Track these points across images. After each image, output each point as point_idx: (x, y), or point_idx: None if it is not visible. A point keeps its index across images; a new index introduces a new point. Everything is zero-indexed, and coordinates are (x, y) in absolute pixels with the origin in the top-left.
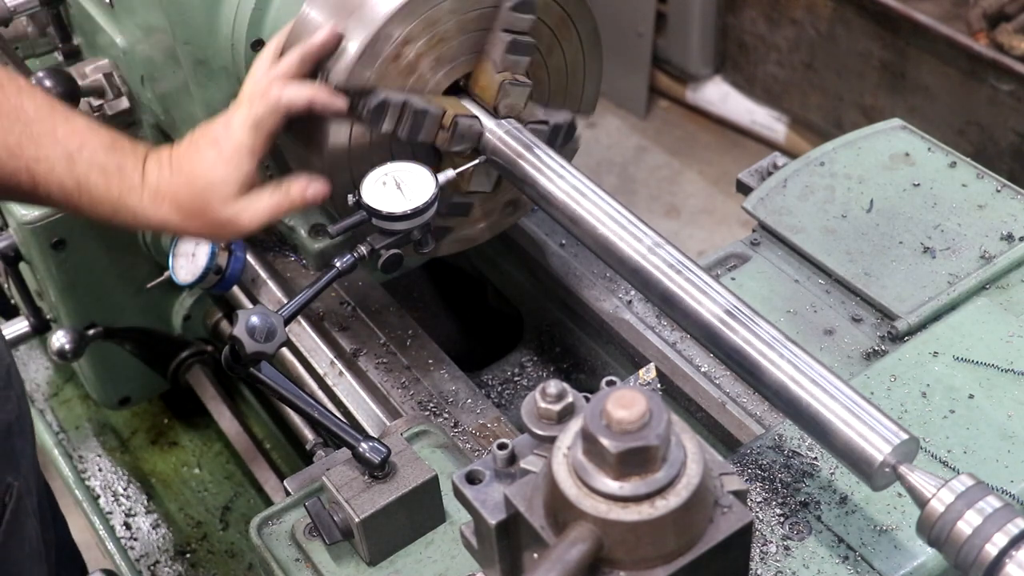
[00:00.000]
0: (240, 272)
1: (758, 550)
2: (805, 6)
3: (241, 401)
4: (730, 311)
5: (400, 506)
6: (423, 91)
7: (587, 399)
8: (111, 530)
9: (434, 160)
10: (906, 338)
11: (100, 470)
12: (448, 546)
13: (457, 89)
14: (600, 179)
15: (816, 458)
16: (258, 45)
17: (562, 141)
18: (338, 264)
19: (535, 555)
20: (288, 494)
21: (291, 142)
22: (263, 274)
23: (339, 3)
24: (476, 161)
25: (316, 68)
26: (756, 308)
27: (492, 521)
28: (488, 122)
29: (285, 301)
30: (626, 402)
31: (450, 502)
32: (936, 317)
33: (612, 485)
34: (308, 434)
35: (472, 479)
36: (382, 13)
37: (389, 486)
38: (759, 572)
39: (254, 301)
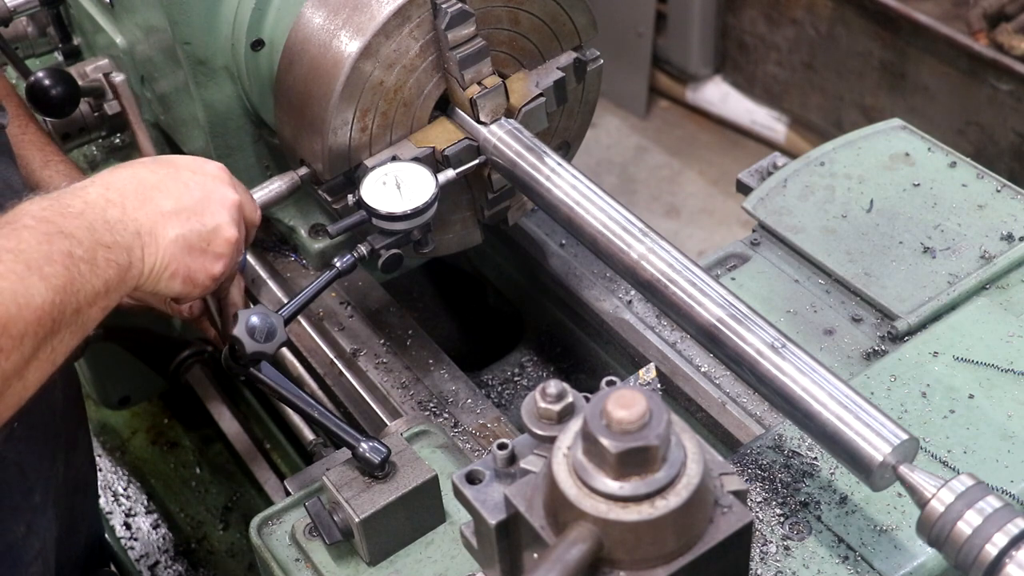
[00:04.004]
0: (240, 272)
1: (758, 550)
2: (805, 6)
3: (241, 401)
4: (730, 312)
5: (400, 506)
6: (409, 133)
7: (587, 399)
8: (111, 530)
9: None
10: (906, 338)
11: (100, 470)
12: (448, 546)
13: (446, 103)
14: (600, 179)
15: (816, 458)
16: (258, 45)
17: (576, 80)
18: (338, 264)
19: (535, 555)
20: (288, 494)
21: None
22: (263, 274)
23: (299, 113)
24: (476, 161)
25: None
26: (756, 308)
27: (492, 521)
28: (483, 129)
29: (285, 301)
30: (626, 402)
31: (450, 502)
32: (936, 317)
33: (612, 485)
34: (308, 434)
35: (472, 479)
36: (327, 111)
37: (389, 486)
38: (759, 572)
39: (254, 301)
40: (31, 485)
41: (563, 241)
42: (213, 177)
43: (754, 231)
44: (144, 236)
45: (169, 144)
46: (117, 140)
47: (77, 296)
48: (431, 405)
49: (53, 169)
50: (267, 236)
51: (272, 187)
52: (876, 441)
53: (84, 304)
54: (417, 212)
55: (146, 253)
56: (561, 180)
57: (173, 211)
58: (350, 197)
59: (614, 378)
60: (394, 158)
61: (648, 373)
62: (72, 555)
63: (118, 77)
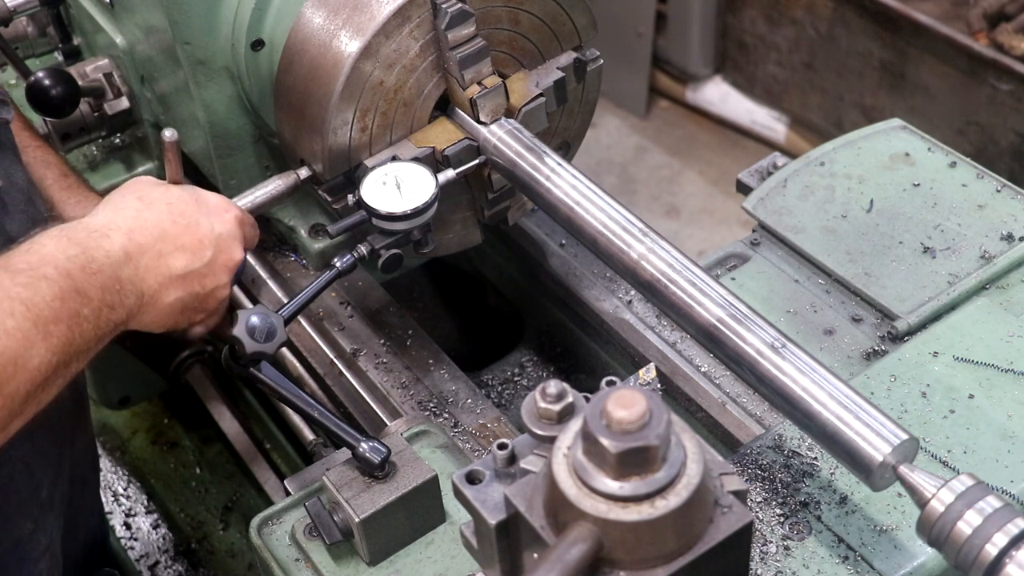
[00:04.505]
0: (240, 272)
1: (758, 550)
2: (805, 6)
3: (241, 401)
4: (730, 312)
5: (400, 506)
6: (409, 133)
7: (587, 399)
8: (111, 530)
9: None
10: (906, 338)
11: (100, 470)
12: (448, 546)
13: (446, 103)
14: (600, 179)
15: (816, 458)
16: (258, 45)
17: (576, 80)
18: (338, 264)
19: (535, 555)
20: (288, 494)
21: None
22: (263, 274)
23: (299, 113)
24: (476, 161)
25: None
26: (756, 308)
27: (492, 521)
28: (483, 129)
29: (285, 301)
30: (626, 402)
31: (450, 502)
32: (936, 317)
33: (612, 485)
34: (308, 434)
35: (472, 479)
36: (327, 111)
37: (389, 486)
38: (759, 572)
39: (254, 301)
40: (38, 482)
41: (563, 241)
42: (228, 235)
43: (754, 231)
44: (146, 298)
45: None
46: (117, 140)
47: (72, 354)
48: (431, 405)
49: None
50: (267, 236)
51: (270, 187)
52: (876, 441)
53: (75, 359)
54: (417, 212)
55: (142, 312)
56: (561, 180)
57: (180, 276)
58: (350, 197)
59: (614, 378)
60: (394, 158)
61: (648, 373)
62: (73, 551)
63: (169, 134)
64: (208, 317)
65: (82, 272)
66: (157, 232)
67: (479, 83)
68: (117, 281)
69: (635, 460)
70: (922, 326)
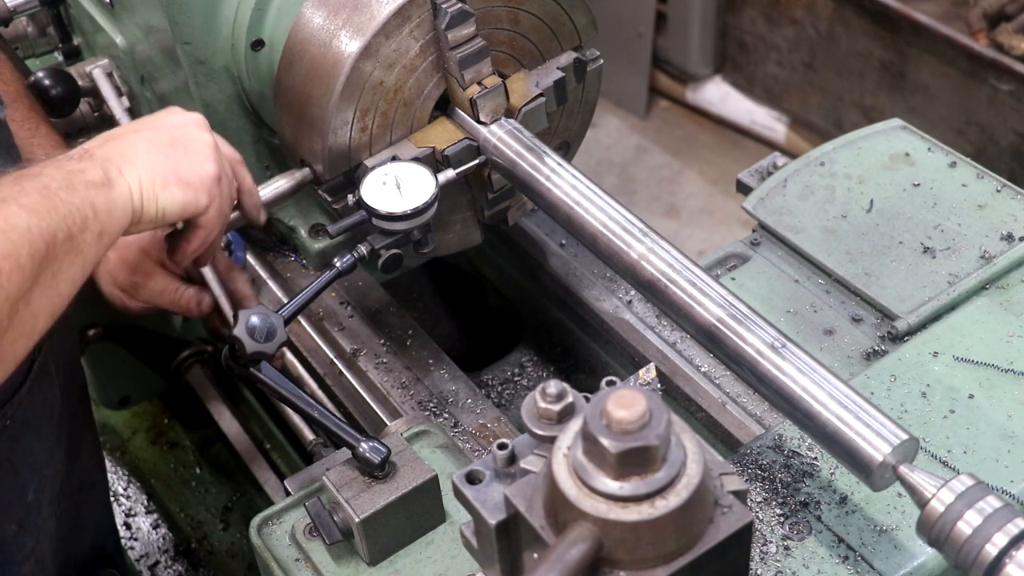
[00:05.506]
0: (241, 266)
1: (758, 550)
2: (805, 6)
3: (241, 401)
4: (730, 312)
5: (400, 506)
6: (409, 133)
7: (587, 399)
8: None
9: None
10: (906, 338)
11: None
12: (448, 546)
13: (446, 103)
14: (600, 179)
15: (816, 458)
16: (258, 45)
17: (576, 80)
18: (338, 264)
19: (535, 555)
20: (288, 494)
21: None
22: (263, 274)
23: (299, 113)
24: (476, 161)
25: None
26: (756, 308)
27: (492, 521)
28: (483, 129)
29: (285, 301)
30: (626, 402)
31: (450, 502)
32: (936, 317)
33: (612, 485)
34: (308, 434)
35: (472, 479)
36: (327, 111)
37: (389, 486)
38: (759, 572)
39: None
40: (24, 482)
41: (563, 241)
42: (179, 114)
43: (754, 231)
44: (117, 159)
45: None
46: None
47: (66, 220)
48: (431, 405)
49: None
50: (267, 236)
51: (276, 185)
52: (876, 441)
53: (76, 229)
54: (417, 212)
55: (125, 171)
56: (561, 180)
57: (136, 132)
58: (350, 197)
59: (614, 378)
60: (394, 158)
61: (648, 373)
62: (77, 555)
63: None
64: (217, 168)
65: (26, 168)
66: (98, 139)
67: (479, 83)
68: (70, 159)
69: (635, 460)
70: (922, 326)
